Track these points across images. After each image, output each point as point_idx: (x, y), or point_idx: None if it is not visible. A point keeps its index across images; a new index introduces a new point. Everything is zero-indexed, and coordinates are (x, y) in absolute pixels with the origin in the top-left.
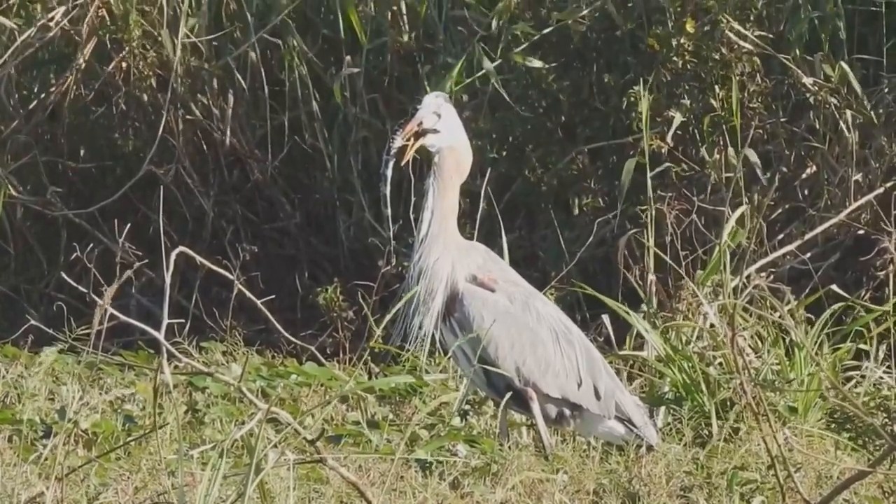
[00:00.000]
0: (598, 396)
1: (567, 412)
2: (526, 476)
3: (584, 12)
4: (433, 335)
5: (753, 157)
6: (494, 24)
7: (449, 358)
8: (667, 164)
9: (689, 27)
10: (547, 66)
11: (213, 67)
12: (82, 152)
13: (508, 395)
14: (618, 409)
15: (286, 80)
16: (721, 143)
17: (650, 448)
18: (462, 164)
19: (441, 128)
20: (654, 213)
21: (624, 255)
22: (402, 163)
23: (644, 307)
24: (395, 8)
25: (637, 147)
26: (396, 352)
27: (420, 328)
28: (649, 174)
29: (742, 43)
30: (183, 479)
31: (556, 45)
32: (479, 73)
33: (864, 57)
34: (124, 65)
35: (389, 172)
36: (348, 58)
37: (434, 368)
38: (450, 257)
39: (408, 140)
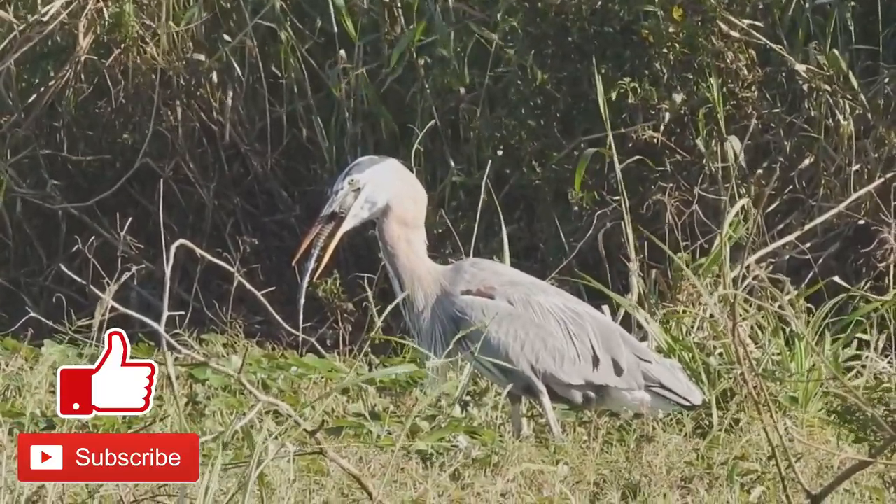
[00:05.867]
0: (619, 371)
1: (592, 395)
2: (526, 467)
3: None
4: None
5: (737, 144)
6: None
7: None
8: (650, 156)
9: (676, 15)
10: (503, 43)
11: (211, 60)
12: (82, 146)
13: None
14: (646, 377)
15: (283, 73)
16: (717, 133)
17: (693, 407)
18: (407, 215)
19: (358, 202)
20: (637, 204)
21: (627, 246)
22: (324, 262)
23: (633, 298)
24: (388, 1)
25: (635, 139)
26: (397, 342)
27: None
28: (618, 167)
29: (734, 33)
30: None
31: (553, 37)
32: (433, 38)
33: (866, 47)
34: (123, 58)
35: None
36: (342, 52)
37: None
38: (435, 296)
39: (319, 242)
